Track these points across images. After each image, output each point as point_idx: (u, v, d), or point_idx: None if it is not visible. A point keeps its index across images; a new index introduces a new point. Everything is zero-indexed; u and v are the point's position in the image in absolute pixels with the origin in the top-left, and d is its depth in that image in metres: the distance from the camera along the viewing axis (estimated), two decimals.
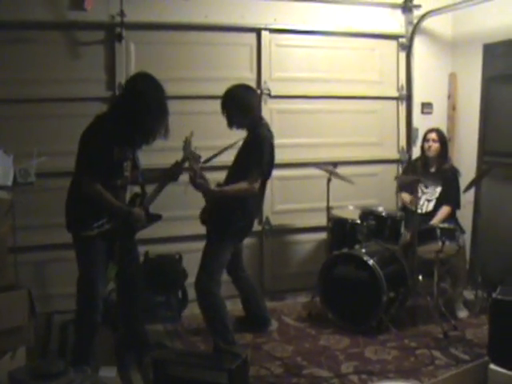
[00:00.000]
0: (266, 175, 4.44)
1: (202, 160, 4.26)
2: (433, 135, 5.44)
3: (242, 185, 4.24)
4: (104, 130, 3.82)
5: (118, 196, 3.98)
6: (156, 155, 4.77)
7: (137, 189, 4.29)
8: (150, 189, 4.19)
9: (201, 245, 5.62)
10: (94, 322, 4.04)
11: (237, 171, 4.39)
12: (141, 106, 3.80)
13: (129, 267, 4.28)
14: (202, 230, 5.60)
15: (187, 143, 4.24)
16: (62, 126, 5.05)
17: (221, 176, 4.57)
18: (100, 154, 3.79)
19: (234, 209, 4.35)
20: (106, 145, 3.81)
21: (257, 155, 4.27)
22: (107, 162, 3.83)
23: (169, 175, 4.24)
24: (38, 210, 5.10)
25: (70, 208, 3.99)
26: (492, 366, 3.35)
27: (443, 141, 5.45)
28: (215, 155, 4.39)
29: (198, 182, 4.19)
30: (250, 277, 5.01)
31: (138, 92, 3.83)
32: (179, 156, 4.26)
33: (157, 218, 4.24)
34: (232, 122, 4.43)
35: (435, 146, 5.40)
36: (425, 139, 5.50)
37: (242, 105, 4.34)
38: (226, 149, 4.44)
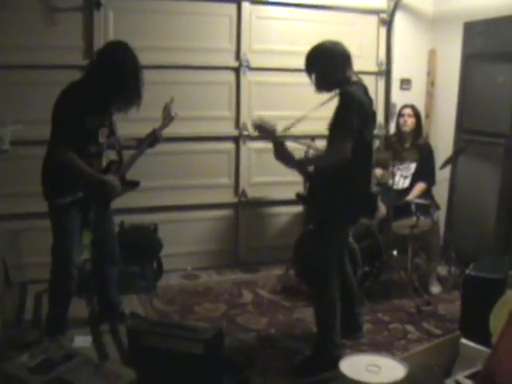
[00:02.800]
0: (362, 138, 3.68)
1: (281, 129, 3.91)
2: (408, 110, 5.46)
3: (327, 149, 3.78)
4: (76, 96, 3.79)
5: (92, 163, 3.94)
6: (133, 125, 4.71)
7: (114, 156, 4.27)
8: (127, 156, 4.17)
9: (176, 215, 5.68)
10: (68, 290, 4.04)
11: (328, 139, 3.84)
12: (115, 74, 3.74)
13: (104, 235, 4.28)
14: (177, 200, 5.65)
15: (167, 109, 4.24)
16: (38, 94, 4.96)
17: None
18: (71, 120, 3.75)
19: (330, 186, 3.73)
20: (78, 111, 3.76)
21: (341, 113, 3.64)
22: (79, 128, 3.79)
23: (147, 142, 4.24)
24: (12, 179, 5.04)
25: (44, 177, 3.96)
26: (463, 340, 3.39)
27: (418, 116, 5.48)
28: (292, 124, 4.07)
29: (281, 154, 3.77)
30: (350, 273, 4.30)
31: (112, 59, 3.77)
32: (156, 125, 4.25)
33: (134, 184, 4.22)
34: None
35: (410, 120, 5.42)
36: (400, 114, 5.53)
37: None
38: (304, 116, 4.12)
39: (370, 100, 3.83)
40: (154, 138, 4.26)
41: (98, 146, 3.99)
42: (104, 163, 4.16)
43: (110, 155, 4.39)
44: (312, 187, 3.94)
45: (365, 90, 3.81)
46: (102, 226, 4.22)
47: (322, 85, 3.81)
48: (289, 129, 4.01)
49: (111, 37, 5.16)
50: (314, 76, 3.80)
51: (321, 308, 3.89)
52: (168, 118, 4.29)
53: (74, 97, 3.79)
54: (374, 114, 3.90)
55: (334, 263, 3.84)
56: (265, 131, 3.82)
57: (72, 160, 3.78)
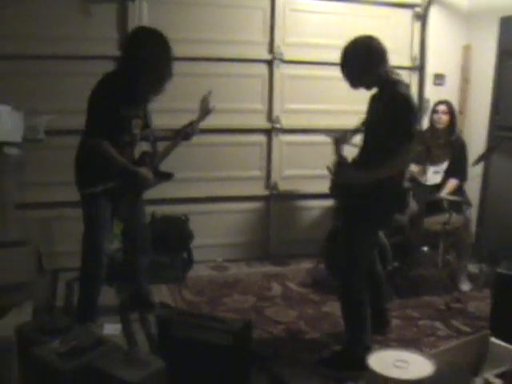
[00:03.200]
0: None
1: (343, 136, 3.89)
2: (442, 107, 5.39)
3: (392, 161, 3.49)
4: (110, 85, 3.82)
5: (124, 153, 3.97)
6: (167, 116, 4.75)
7: (148, 148, 4.30)
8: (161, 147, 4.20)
9: (208, 207, 5.70)
10: (99, 278, 4.08)
11: (375, 142, 3.64)
12: (141, 58, 3.76)
13: (135, 225, 4.31)
14: (208, 192, 5.68)
15: (205, 101, 4.24)
16: (72, 84, 5.02)
17: None
18: (105, 109, 3.78)
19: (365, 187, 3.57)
20: (112, 100, 3.79)
21: (402, 120, 3.48)
22: (113, 117, 3.82)
23: (182, 134, 4.25)
24: (46, 168, 5.11)
25: (77, 166, 4.00)
26: (493, 339, 3.37)
27: (452, 113, 5.40)
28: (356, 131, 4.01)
29: (340, 173, 3.66)
30: (380, 271, 4.18)
31: (138, 45, 3.79)
32: (190, 117, 4.26)
33: (167, 176, 4.23)
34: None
35: (444, 118, 5.35)
36: (434, 111, 5.46)
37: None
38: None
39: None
40: (189, 131, 4.26)
41: (131, 135, 4.01)
42: (137, 154, 4.19)
43: (144, 147, 4.41)
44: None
45: (408, 88, 3.72)
46: (132, 216, 4.26)
47: (357, 81, 3.70)
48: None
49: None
50: (349, 72, 3.69)
51: (346, 308, 3.83)
52: (205, 110, 4.28)
53: (108, 86, 3.82)
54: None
55: (361, 264, 3.75)
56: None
57: (106, 149, 3.81)
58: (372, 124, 3.72)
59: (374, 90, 3.76)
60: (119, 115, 3.85)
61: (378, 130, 3.59)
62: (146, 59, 3.76)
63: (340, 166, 3.69)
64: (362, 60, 3.62)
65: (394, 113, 3.48)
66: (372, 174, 3.50)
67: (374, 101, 3.78)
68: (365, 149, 3.74)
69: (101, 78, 3.87)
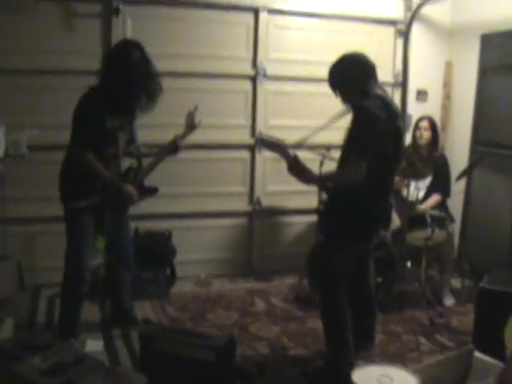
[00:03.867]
0: (379, 155, 3.54)
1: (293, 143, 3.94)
2: (424, 123, 5.41)
3: (341, 170, 3.68)
4: (95, 98, 3.81)
5: (109, 166, 3.95)
6: (151, 131, 4.74)
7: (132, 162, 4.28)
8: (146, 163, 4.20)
9: (191, 222, 5.68)
10: (80, 293, 4.05)
11: (343, 155, 3.76)
12: (127, 70, 3.77)
13: (118, 240, 4.29)
14: (191, 207, 5.66)
15: (190, 116, 4.25)
16: (55, 99, 5.00)
17: None
18: (91, 122, 3.77)
19: (343, 201, 3.68)
20: (97, 113, 3.79)
21: (356, 131, 3.59)
22: (98, 129, 3.81)
23: (168, 149, 4.24)
24: (28, 183, 5.07)
25: (62, 180, 3.98)
26: (476, 354, 3.37)
27: (434, 129, 5.44)
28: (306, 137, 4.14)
29: (295, 169, 3.63)
30: (372, 292, 4.18)
31: (124, 57, 3.80)
32: (173, 132, 4.25)
33: (152, 191, 4.22)
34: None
35: (426, 134, 5.38)
36: (416, 127, 5.48)
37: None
38: (320, 128, 4.13)
39: (392, 113, 3.67)
40: (174, 146, 4.26)
41: (116, 148, 4.00)
42: (122, 168, 4.17)
43: (128, 162, 4.39)
44: (328, 200, 3.89)
45: (385, 103, 3.67)
46: (117, 231, 4.24)
47: (345, 98, 3.74)
48: (303, 142, 4.08)
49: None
50: (337, 89, 3.75)
51: (326, 321, 3.83)
52: (191, 125, 4.28)
53: (93, 99, 3.82)
54: (397, 129, 3.71)
55: (341, 278, 3.73)
56: (275, 147, 3.76)
57: (90, 162, 3.80)
58: (344, 139, 3.74)
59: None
60: (104, 128, 3.84)
61: (346, 144, 3.69)
62: (133, 74, 3.77)
63: (296, 160, 3.64)
64: (345, 76, 3.70)
65: (352, 124, 3.62)
66: (322, 179, 3.73)
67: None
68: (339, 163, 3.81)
69: (86, 91, 3.87)
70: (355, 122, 3.60)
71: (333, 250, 3.74)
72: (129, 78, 3.77)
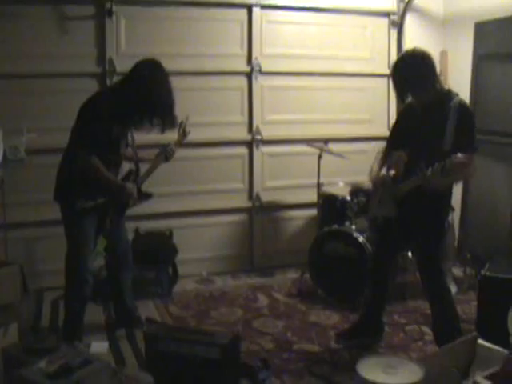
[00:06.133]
0: None
1: None
2: None
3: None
4: (107, 106, 3.83)
5: (109, 171, 3.97)
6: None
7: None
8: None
9: (191, 221, 5.69)
10: (83, 296, 4.06)
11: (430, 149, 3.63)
12: (151, 96, 3.81)
13: (117, 242, 4.32)
14: (191, 205, 5.67)
15: (182, 126, 4.32)
16: (52, 102, 5.01)
17: None
18: (101, 129, 3.80)
19: (441, 205, 3.87)
20: (108, 122, 3.82)
21: (471, 130, 3.64)
22: (106, 138, 3.85)
23: (161, 157, 4.33)
24: (28, 187, 5.07)
25: (61, 181, 3.99)
26: (480, 341, 3.38)
27: None
28: None
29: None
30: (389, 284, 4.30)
31: (150, 81, 3.83)
32: (169, 131, 4.26)
33: (148, 196, 4.31)
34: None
35: None
36: None
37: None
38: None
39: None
40: (168, 153, 4.34)
41: (118, 155, 4.05)
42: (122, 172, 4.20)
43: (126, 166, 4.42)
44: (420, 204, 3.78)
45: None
46: (116, 233, 4.26)
47: (417, 92, 3.73)
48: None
49: (123, 44, 5.23)
50: (405, 83, 3.75)
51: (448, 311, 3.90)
52: (183, 135, 4.40)
53: (104, 106, 3.83)
54: None
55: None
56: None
57: (96, 166, 3.83)
58: (427, 132, 3.69)
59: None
60: (111, 137, 3.88)
61: (436, 136, 3.59)
62: (154, 95, 3.82)
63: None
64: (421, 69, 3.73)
65: (465, 122, 3.59)
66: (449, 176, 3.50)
67: (423, 111, 3.76)
68: (416, 154, 3.71)
69: (95, 96, 3.90)
70: (469, 122, 3.62)
71: (439, 259, 3.83)
72: (150, 99, 3.82)
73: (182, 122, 4.32)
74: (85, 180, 3.86)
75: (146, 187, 4.27)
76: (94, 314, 4.53)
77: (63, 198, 3.98)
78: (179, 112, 4.16)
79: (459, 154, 3.33)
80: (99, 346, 4.06)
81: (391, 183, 3.91)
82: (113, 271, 4.42)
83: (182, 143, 4.43)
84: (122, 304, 4.42)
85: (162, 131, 3.99)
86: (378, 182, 4.03)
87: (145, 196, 4.28)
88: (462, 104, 3.64)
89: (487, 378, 2.94)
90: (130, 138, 4.13)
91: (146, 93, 3.81)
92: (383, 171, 4.08)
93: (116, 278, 4.40)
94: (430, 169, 3.47)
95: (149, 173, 4.28)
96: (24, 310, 4.32)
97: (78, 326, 4.08)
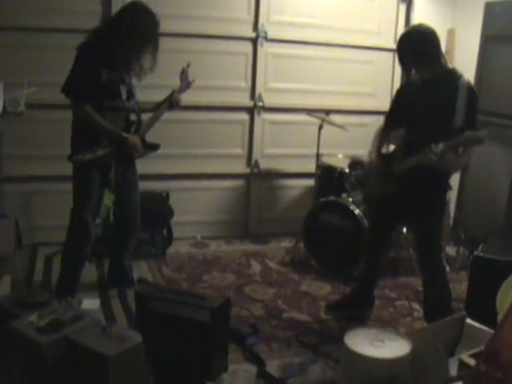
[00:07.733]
0: None
1: None
2: None
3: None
4: (89, 50, 3.80)
5: (117, 119, 3.96)
6: (150, 92, 4.71)
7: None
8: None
9: (188, 184, 5.69)
10: (83, 252, 4.07)
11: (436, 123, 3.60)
12: (127, 31, 3.76)
13: (126, 202, 4.29)
14: (190, 168, 5.66)
15: (184, 73, 4.25)
16: (54, 58, 4.96)
17: None
18: (85, 72, 3.77)
19: (443, 183, 3.89)
20: (92, 65, 3.78)
21: (475, 108, 3.64)
22: (93, 80, 3.79)
23: (166, 104, 4.24)
24: (26, 141, 5.06)
25: (72, 136, 3.97)
26: (468, 321, 3.40)
27: None
28: None
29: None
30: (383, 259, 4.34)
31: (129, 18, 3.79)
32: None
33: (155, 147, 4.25)
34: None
35: None
36: None
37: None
38: None
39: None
40: (172, 101, 4.26)
41: (123, 102, 3.99)
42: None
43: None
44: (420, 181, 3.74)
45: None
46: (125, 190, 4.22)
47: (423, 65, 3.71)
48: None
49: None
50: (408, 57, 3.74)
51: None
52: (185, 82, 4.31)
53: (85, 50, 3.80)
54: None
55: None
56: None
57: (88, 113, 3.79)
58: (431, 108, 3.64)
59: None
60: (100, 80, 3.82)
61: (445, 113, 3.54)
62: (134, 28, 3.76)
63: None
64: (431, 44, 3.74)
65: (470, 100, 3.55)
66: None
67: (425, 87, 3.72)
68: (417, 130, 3.70)
69: (84, 40, 3.85)
70: (474, 99, 3.61)
71: (439, 236, 3.88)
72: (134, 39, 3.78)
73: (183, 69, 4.28)
74: (82, 131, 3.84)
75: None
76: (87, 271, 4.54)
77: (71, 151, 3.95)
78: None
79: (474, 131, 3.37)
80: (91, 303, 4.09)
81: (390, 159, 3.90)
82: (120, 227, 4.40)
83: (184, 91, 4.33)
84: (119, 263, 4.42)
85: (151, 69, 3.94)
86: (377, 161, 4.01)
87: (150, 147, 4.22)
88: (470, 87, 3.61)
89: (473, 356, 2.97)
90: (131, 88, 4.08)
91: (129, 23, 3.77)
92: (383, 149, 4.06)
93: (120, 236, 4.40)
94: (440, 145, 3.43)
95: (152, 122, 4.20)
96: (17, 264, 4.33)
97: (73, 283, 4.09)
